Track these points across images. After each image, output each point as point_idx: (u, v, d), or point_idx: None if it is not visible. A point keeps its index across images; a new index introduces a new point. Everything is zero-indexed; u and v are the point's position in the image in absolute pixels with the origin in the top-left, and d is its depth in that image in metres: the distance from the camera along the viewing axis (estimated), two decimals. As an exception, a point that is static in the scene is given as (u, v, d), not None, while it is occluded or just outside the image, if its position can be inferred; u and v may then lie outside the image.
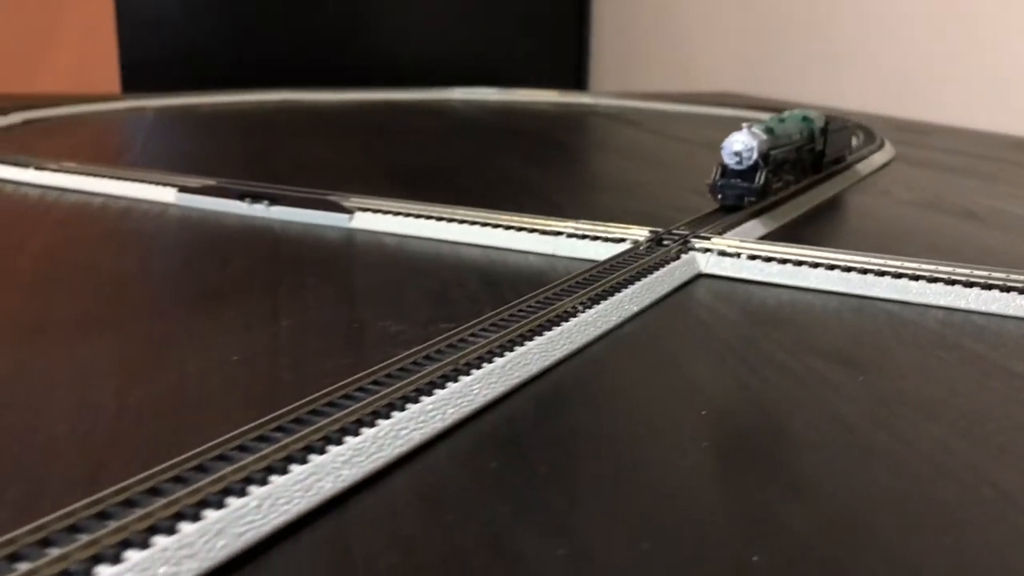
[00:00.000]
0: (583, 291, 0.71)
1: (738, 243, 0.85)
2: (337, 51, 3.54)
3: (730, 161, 0.92)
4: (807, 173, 1.11)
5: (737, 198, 0.93)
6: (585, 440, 0.51)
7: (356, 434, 0.46)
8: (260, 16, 3.44)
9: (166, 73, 3.36)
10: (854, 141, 1.46)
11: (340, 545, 0.39)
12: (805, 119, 1.08)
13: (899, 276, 0.77)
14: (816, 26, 2.50)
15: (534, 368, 0.60)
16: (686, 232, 0.88)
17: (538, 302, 0.68)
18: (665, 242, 0.86)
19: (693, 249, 0.85)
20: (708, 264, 0.83)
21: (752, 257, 0.82)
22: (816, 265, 0.80)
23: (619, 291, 0.73)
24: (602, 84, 3.89)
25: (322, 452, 0.44)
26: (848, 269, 0.79)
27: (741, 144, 0.91)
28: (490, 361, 0.57)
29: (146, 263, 0.91)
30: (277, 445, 0.43)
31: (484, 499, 0.43)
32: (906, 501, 0.44)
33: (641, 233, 0.89)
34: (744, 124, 0.93)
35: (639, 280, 0.76)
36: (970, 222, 1.09)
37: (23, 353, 0.62)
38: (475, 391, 0.54)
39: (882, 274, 0.78)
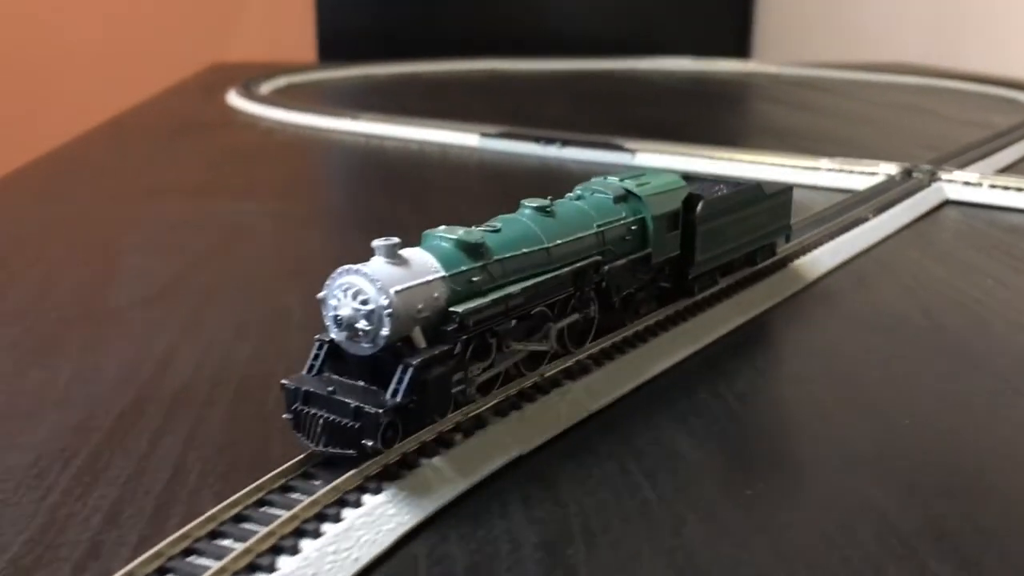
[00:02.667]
0: (863, 206, 0.92)
1: (979, 175, 1.03)
2: (506, 24, 3.75)
3: (337, 336, 0.43)
4: (634, 306, 0.59)
5: (337, 435, 0.41)
6: (888, 316, 0.72)
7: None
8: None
9: (359, 43, 3.65)
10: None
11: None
12: (626, 196, 0.57)
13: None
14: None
15: (843, 257, 0.81)
16: (931, 167, 1.06)
17: (835, 212, 0.89)
18: (915, 175, 1.05)
19: (939, 180, 1.03)
20: (955, 192, 1.02)
21: (993, 187, 1.01)
22: (1050, 192, 0.98)
23: (886, 210, 0.93)
24: (766, 53, 3.99)
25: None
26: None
27: (355, 299, 0.42)
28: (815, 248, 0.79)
29: (496, 185, 1.16)
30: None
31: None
32: None
33: (891, 168, 1.08)
34: (376, 243, 0.44)
35: (901, 202, 0.96)
36: None
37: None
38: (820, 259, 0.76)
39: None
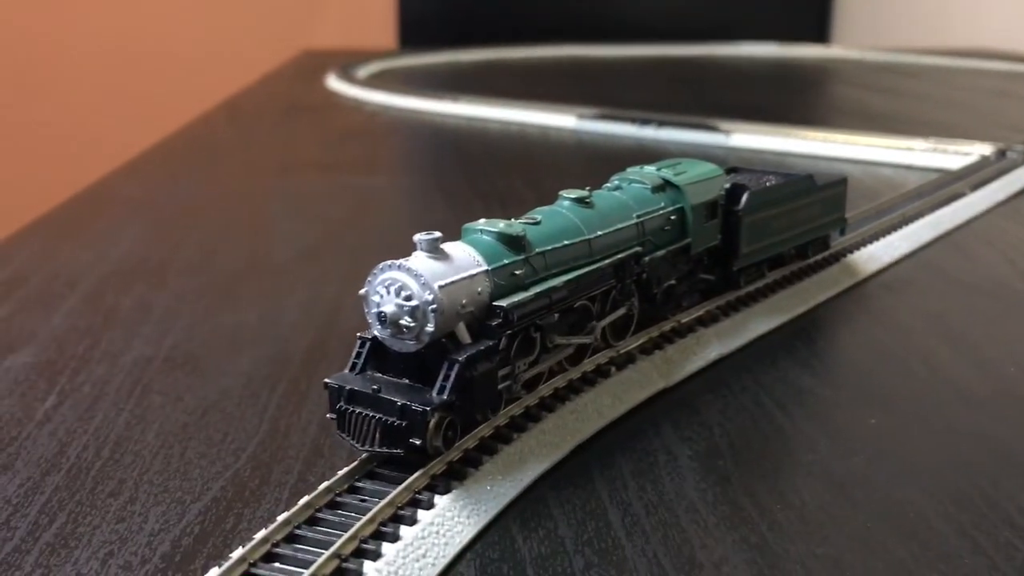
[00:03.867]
0: (962, 182, 0.96)
1: (1075, 155, 1.06)
2: (584, 11, 3.78)
3: (380, 333, 0.42)
4: (674, 299, 0.57)
5: (382, 434, 0.40)
6: (990, 281, 0.77)
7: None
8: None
9: (438, 30, 3.72)
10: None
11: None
12: (664, 186, 0.55)
13: None
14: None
15: (943, 229, 0.85)
16: (1025, 148, 1.09)
17: (932, 188, 0.94)
18: (1009, 154, 1.08)
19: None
20: (1050, 171, 1.05)
21: (1086, 165, 1.03)
22: None
23: (982, 187, 0.97)
24: (846, 38, 3.97)
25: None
26: None
27: (399, 296, 0.41)
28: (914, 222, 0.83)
29: (598, 164, 1.22)
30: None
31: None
32: None
33: (985, 148, 1.11)
34: (418, 237, 0.43)
35: (997, 180, 1.00)
36: None
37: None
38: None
39: None
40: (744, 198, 0.60)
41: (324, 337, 0.62)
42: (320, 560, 0.34)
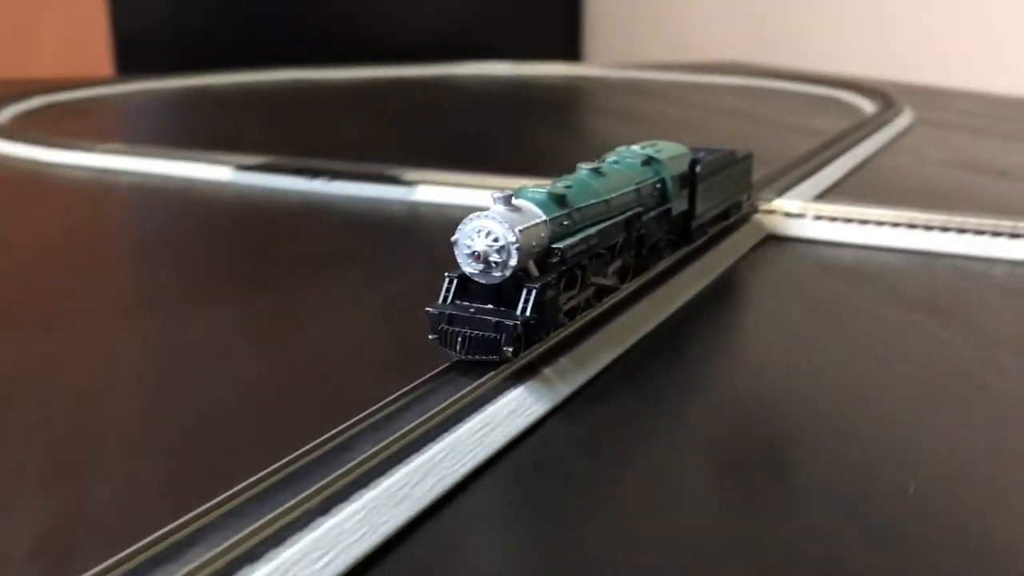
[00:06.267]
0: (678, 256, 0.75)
1: (802, 204, 0.88)
2: (318, 25, 3.51)
3: (472, 269, 0.50)
4: (658, 252, 0.68)
5: (483, 345, 0.49)
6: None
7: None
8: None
9: (159, 51, 3.33)
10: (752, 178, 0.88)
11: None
12: (650, 161, 0.65)
13: (963, 232, 0.81)
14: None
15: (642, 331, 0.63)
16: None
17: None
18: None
19: (758, 212, 0.88)
20: (777, 226, 0.87)
21: (818, 218, 0.86)
22: (881, 224, 0.84)
23: (707, 251, 0.76)
24: (598, 55, 3.90)
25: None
26: (913, 226, 0.83)
27: (488, 237, 0.49)
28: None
29: (223, 238, 0.94)
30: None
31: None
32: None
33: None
34: (495, 194, 0.51)
35: (721, 241, 0.80)
36: (1005, 181, 1.13)
37: (160, 326, 0.65)
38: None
39: (946, 230, 0.81)
40: (699, 169, 0.70)
41: None
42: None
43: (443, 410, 0.45)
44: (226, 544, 0.34)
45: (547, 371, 0.51)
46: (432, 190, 1.02)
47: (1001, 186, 1.10)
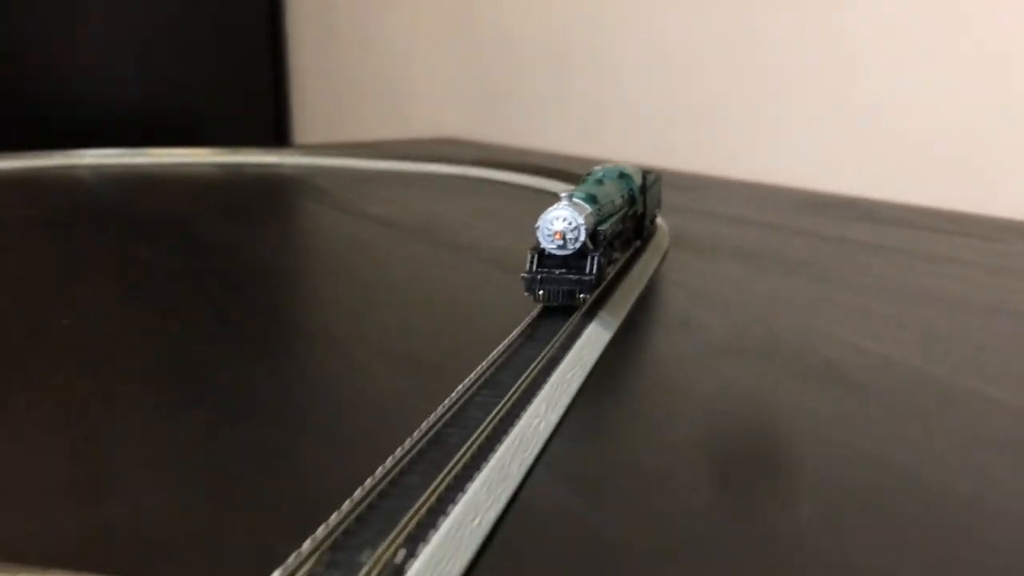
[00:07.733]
0: None
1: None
2: None
3: (550, 246, 0.70)
4: (629, 243, 0.91)
5: (567, 295, 0.70)
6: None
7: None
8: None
9: None
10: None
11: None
12: (622, 176, 0.86)
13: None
14: (545, 67, 2.34)
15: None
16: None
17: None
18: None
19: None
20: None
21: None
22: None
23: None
24: (308, 136, 3.55)
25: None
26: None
27: (564, 222, 0.70)
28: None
29: None
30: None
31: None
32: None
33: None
34: (562, 194, 0.71)
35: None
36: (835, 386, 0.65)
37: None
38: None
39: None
40: (647, 178, 0.93)
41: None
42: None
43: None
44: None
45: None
46: None
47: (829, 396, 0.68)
